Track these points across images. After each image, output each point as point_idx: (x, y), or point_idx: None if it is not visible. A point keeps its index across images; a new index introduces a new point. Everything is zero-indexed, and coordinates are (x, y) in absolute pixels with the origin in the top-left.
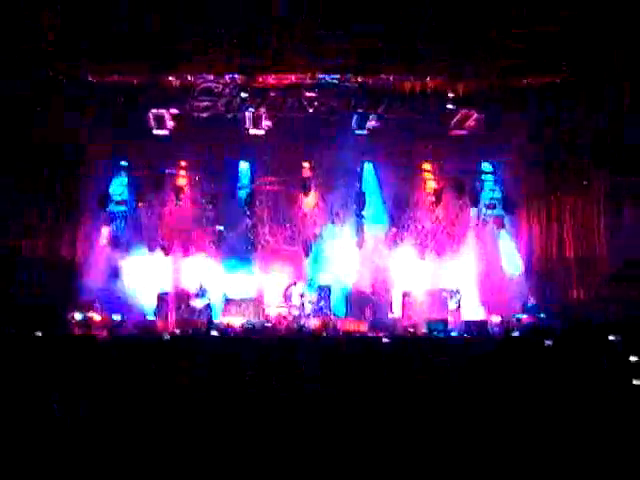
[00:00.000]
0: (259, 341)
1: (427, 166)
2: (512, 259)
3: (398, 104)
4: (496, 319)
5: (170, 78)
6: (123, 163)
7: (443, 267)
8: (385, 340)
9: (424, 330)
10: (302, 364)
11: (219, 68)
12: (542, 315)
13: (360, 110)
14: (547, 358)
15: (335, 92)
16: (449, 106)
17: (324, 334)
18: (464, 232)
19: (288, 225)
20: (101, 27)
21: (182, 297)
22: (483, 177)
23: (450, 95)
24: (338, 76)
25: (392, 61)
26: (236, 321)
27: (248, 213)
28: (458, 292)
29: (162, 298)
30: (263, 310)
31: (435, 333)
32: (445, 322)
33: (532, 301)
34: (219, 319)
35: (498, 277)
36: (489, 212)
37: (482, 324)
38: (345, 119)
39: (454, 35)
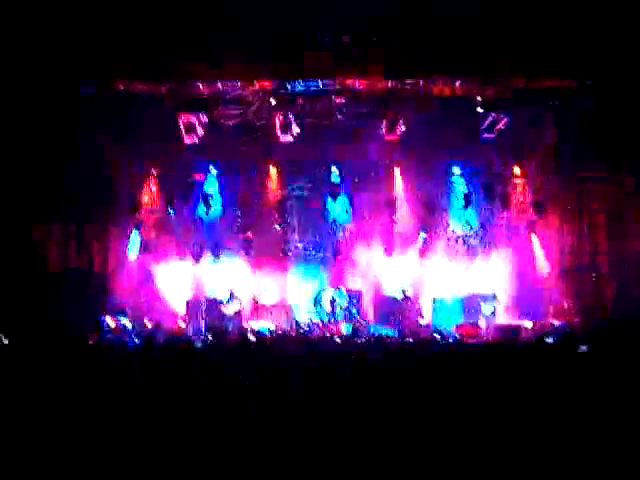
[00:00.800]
0: (289, 349)
1: (457, 170)
2: (544, 262)
3: (427, 108)
4: (528, 324)
5: (200, 86)
6: (153, 172)
7: (474, 272)
8: (411, 344)
9: (454, 336)
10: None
11: (248, 75)
12: (576, 319)
13: (389, 115)
14: (583, 365)
15: (364, 97)
16: (478, 110)
17: (356, 340)
18: (495, 236)
19: (317, 231)
20: (129, 34)
21: (213, 303)
22: (514, 181)
23: (479, 99)
24: (366, 81)
25: (422, 65)
26: (266, 326)
27: (278, 220)
28: (494, 297)
29: (193, 305)
30: (294, 317)
31: (466, 339)
32: (477, 328)
33: (566, 304)
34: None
35: (530, 281)
36: (520, 215)
37: (514, 329)
38: (374, 125)
39: (485, 38)
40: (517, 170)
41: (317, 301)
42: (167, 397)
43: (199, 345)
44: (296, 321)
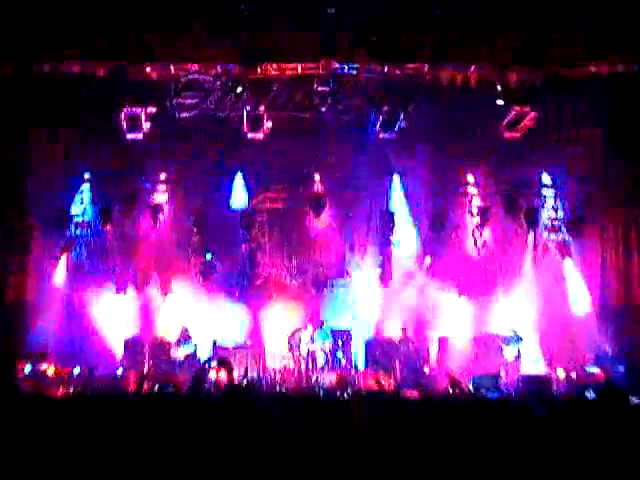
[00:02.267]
0: (258, 403)
1: (471, 178)
2: (581, 296)
3: (434, 100)
4: (561, 373)
5: (147, 69)
6: (86, 176)
7: (493, 307)
8: (416, 400)
9: (469, 388)
10: (312, 434)
11: (207, 57)
12: (621, 368)
13: (386, 108)
14: (635, 425)
15: (354, 85)
16: (498, 102)
17: (342, 393)
18: (519, 262)
19: (295, 253)
20: (55, 8)
21: (160, 345)
22: (542, 191)
23: (499, 88)
24: (358, 65)
25: (426, 46)
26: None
27: (245, 238)
28: (518, 338)
29: (134, 346)
30: (264, 362)
31: (484, 392)
32: (497, 377)
33: (608, 350)
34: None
35: (563, 320)
36: (551, 236)
37: (543, 380)
38: (367, 120)
39: (500, 15)
40: (547, 178)
41: (293, 342)
42: (96, 465)
43: (138, 397)
44: (266, 368)
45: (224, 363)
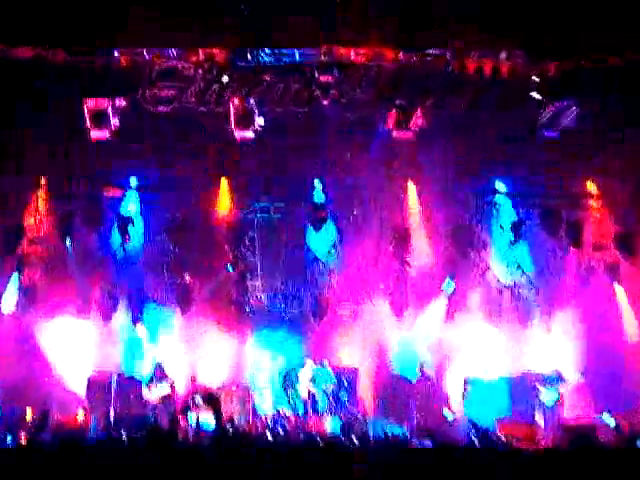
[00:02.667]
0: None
1: (501, 186)
2: (634, 325)
3: (458, 94)
4: (609, 420)
5: (115, 54)
6: (42, 181)
7: (528, 340)
8: (433, 450)
9: (498, 438)
10: None
11: (188, 40)
12: None
13: (400, 103)
14: None
15: (362, 75)
16: (534, 96)
17: (345, 442)
18: (560, 286)
19: (291, 275)
20: None
21: (129, 383)
22: (587, 202)
23: (535, 79)
24: (367, 51)
25: (449, 30)
26: (211, 420)
27: (231, 257)
28: (560, 378)
29: (98, 384)
30: (253, 404)
31: (516, 443)
32: (533, 425)
33: None
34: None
35: (612, 355)
36: (598, 255)
37: (589, 429)
38: (378, 116)
39: None
40: (592, 187)
41: (289, 382)
42: None
43: (105, 447)
44: (256, 412)
45: (212, 400)
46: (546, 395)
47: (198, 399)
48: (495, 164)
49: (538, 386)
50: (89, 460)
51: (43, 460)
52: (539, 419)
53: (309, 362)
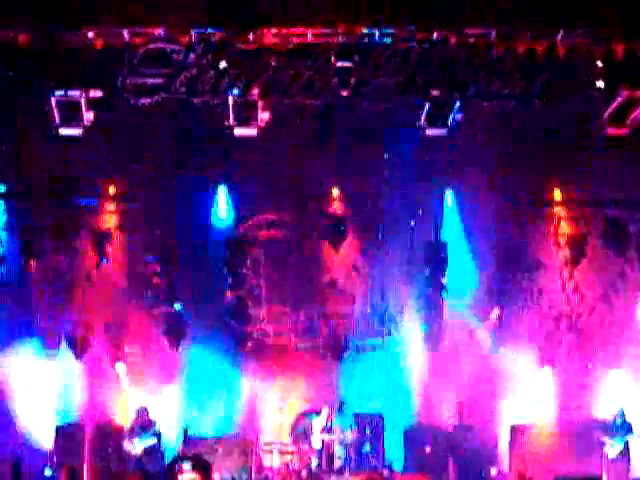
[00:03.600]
0: None
1: (558, 195)
2: None
3: (504, 83)
4: None
5: (89, 35)
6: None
7: (590, 382)
8: None
9: None
10: None
11: (177, 18)
12: None
13: (435, 93)
14: None
15: (388, 60)
16: (598, 85)
17: None
18: (628, 315)
19: (302, 302)
20: None
21: (108, 433)
22: None
23: (599, 65)
24: (394, 31)
25: (491, 4)
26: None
27: (230, 281)
28: (627, 426)
29: (69, 435)
30: (257, 458)
31: None
32: None
33: None
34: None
35: None
36: None
37: None
38: (408, 109)
39: None
40: None
41: (301, 432)
42: None
43: None
44: (262, 467)
45: (200, 464)
46: (611, 446)
47: (186, 465)
48: (550, 168)
49: (602, 435)
50: None
51: None
52: (604, 475)
53: (325, 408)
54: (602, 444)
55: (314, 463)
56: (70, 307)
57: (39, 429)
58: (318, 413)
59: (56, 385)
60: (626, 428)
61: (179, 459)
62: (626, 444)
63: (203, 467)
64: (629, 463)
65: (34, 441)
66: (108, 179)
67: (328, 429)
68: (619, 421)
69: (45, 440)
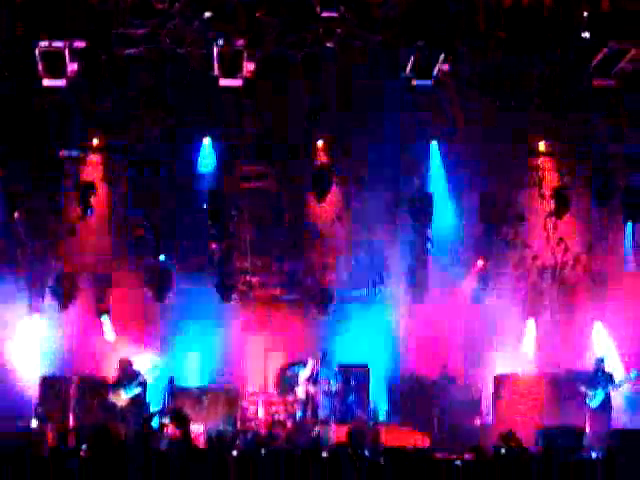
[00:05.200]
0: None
1: (543, 146)
2: None
3: (491, 33)
4: None
5: None
6: None
7: (573, 333)
8: (461, 462)
9: (537, 446)
10: None
11: None
12: None
13: (421, 43)
14: None
15: (374, 11)
16: (584, 35)
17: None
18: (612, 265)
19: (287, 254)
20: None
21: (92, 384)
22: None
23: (585, 15)
24: None
25: None
26: (193, 428)
27: (214, 232)
28: (608, 377)
29: (54, 386)
30: (243, 409)
31: (560, 452)
32: (579, 432)
33: None
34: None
35: None
36: None
37: None
38: (393, 60)
39: None
40: None
41: (285, 382)
42: None
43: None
44: (247, 417)
45: (178, 417)
46: (593, 396)
47: (165, 419)
48: (535, 120)
49: (584, 386)
50: (43, 474)
51: None
52: (585, 425)
53: (309, 359)
54: (584, 395)
55: (299, 413)
56: (54, 259)
57: (25, 381)
58: (304, 364)
59: (42, 337)
60: (607, 379)
61: (158, 413)
62: (607, 395)
63: (182, 421)
64: (610, 413)
65: (20, 393)
66: (92, 130)
67: (313, 380)
68: (600, 372)
69: (30, 392)
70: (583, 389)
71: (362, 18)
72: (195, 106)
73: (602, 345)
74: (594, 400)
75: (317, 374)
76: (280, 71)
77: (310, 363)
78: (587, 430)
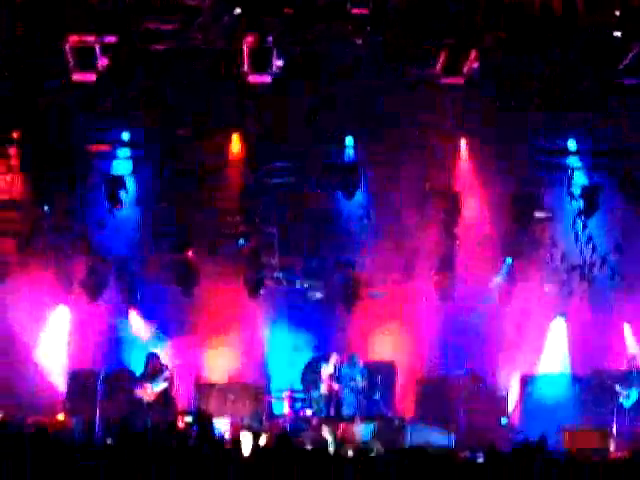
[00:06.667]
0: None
1: (572, 144)
2: None
3: (520, 31)
4: None
5: None
6: (15, 135)
7: (601, 332)
8: (484, 464)
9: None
10: None
11: None
12: None
13: (451, 41)
14: None
15: (404, 8)
16: (615, 34)
17: (380, 452)
18: None
19: (314, 251)
20: None
21: (119, 378)
22: None
23: (616, 13)
24: None
25: None
26: (219, 423)
27: (243, 228)
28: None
29: (81, 380)
30: (269, 405)
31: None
32: (606, 431)
33: None
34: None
35: None
36: None
37: None
38: (423, 58)
39: None
40: None
41: (309, 379)
42: None
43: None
44: (271, 413)
45: (202, 419)
46: (626, 396)
47: (187, 419)
48: (566, 118)
49: (616, 386)
50: (70, 470)
51: (18, 466)
52: (614, 425)
53: (334, 355)
54: (616, 394)
55: (324, 410)
56: (83, 252)
57: (53, 374)
58: (327, 360)
59: (69, 330)
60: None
61: (182, 413)
62: (638, 395)
63: (204, 420)
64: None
65: (47, 386)
66: (121, 124)
67: (336, 377)
68: (634, 371)
69: (59, 384)
70: (617, 388)
71: (391, 15)
72: (224, 102)
73: (633, 344)
74: (628, 399)
75: (340, 371)
76: (309, 68)
77: (333, 359)
78: (614, 430)
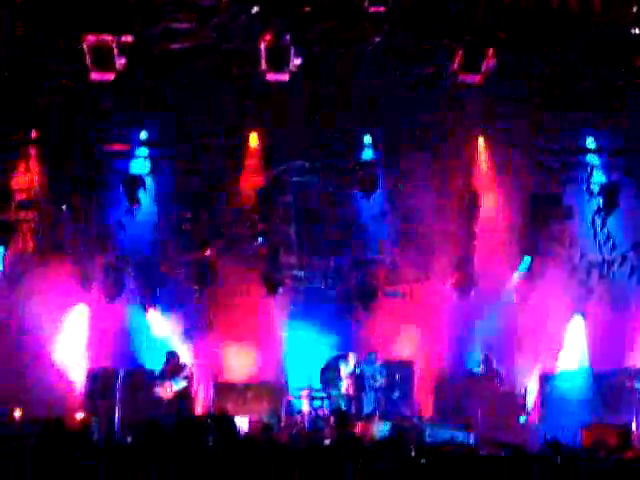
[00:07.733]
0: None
1: (591, 142)
2: None
3: (538, 28)
4: None
5: None
6: (33, 134)
7: (622, 330)
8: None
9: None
10: None
11: None
12: None
13: (469, 39)
14: None
15: (421, 6)
16: (633, 31)
17: (398, 450)
18: None
19: (332, 250)
20: None
21: (139, 377)
22: None
23: (634, 11)
24: None
25: None
26: (238, 422)
27: (262, 227)
28: None
29: (100, 378)
30: (287, 403)
31: (604, 453)
32: (627, 433)
33: None
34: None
35: None
36: None
37: None
38: (440, 56)
39: None
40: None
41: (328, 377)
42: None
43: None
44: (290, 411)
45: (224, 422)
46: None
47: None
48: (585, 116)
49: (634, 383)
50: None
51: (34, 464)
52: (635, 423)
53: (352, 354)
54: (636, 391)
55: (342, 408)
56: (101, 252)
57: (73, 374)
58: (346, 359)
59: (88, 329)
60: None
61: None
62: None
63: (226, 423)
64: None
65: (66, 385)
66: (139, 124)
67: (356, 375)
68: None
69: (78, 384)
70: (637, 385)
71: (408, 13)
72: (242, 100)
73: None
74: None
75: (361, 369)
76: (327, 66)
77: (352, 358)
78: (634, 428)
